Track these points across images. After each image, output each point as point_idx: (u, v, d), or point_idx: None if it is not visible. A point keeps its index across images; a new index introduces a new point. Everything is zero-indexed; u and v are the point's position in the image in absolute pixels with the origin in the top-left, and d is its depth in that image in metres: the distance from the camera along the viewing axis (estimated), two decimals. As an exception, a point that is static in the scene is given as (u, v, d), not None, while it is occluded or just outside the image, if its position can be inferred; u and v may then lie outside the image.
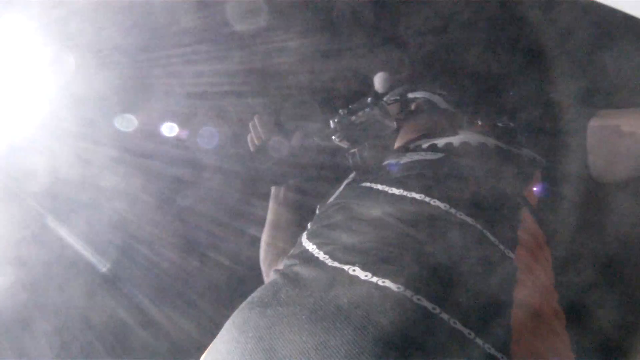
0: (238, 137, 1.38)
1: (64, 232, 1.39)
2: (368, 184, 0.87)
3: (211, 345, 0.71)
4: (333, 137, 1.02)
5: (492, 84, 1.29)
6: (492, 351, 0.59)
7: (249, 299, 0.72)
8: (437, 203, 0.75)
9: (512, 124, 1.02)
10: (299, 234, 0.94)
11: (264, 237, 1.35)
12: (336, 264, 0.69)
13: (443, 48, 1.33)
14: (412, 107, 1.16)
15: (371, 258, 0.68)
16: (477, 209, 0.75)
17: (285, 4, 1.33)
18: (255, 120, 1.31)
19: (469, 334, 0.59)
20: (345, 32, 1.42)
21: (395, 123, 1.01)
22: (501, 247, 0.71)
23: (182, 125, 1.43)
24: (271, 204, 1.36)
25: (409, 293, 0.61)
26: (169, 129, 1.42)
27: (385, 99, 1.19)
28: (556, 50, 1.23)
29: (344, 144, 1.03)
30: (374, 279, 0.63)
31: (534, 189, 0.87)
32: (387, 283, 0.62)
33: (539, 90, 1.26)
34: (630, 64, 1.14)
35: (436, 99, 1.17)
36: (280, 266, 0.86)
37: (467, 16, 1.35)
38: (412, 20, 1.38)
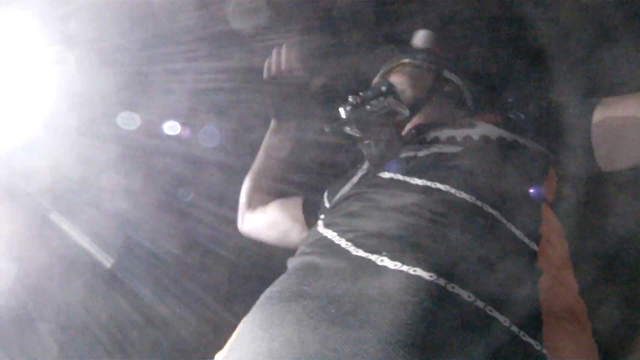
0: (238, 134, 1.36)
1: (68, 229, 1.39)
2: (388, 175, 0.86)
3: (230, 345, 0.68)
4: (345, 128, 0.97)
5: (492, 81, 1.28)
6: (527, 338, 0.59)
7: (268, 293, 0.70)
8: (464, 195, 0.75)
9: (523, 116, 0.99)
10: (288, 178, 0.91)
11: (253, 168, 1.31)
12: (361, 253, 0.67)
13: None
14: (445, 89, 1.13)
15: (398, 246, 0.66)
16: (501, 203, 0.75)
17: (285, 3, 1.33)
18: (283, 49, 1.23)
19: (505, 321, 0.59)
20: (345, 31, 1.42)
21: (408, 111, 0.96)
22: (525, 240, 0.71)
23: (183, 123, 1.43)
24: (267, 137, 1.30)
25: (442, 281, 0.60)
26: (171, 127, 1.41)
27: (420, 56, 1.15)
28: (556, 49, 1.23)
29: (356, 134, 0.97)
30: (404, 268, 0.62)
31: (550, 185, 0.87)
32: (419, 272, 0.61)
33: (539, 88, 1.26)
34: (631, 63, 1.14)
35: (466, 93, 1.15)
36: (296, 253, 0.84)
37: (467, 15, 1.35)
38: (413, 19, 1.37)
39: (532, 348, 0.59)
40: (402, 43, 1.22)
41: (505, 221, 0.73)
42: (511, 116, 0.99)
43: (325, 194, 1.05)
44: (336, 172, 1.28)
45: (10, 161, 1.30)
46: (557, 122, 0.93)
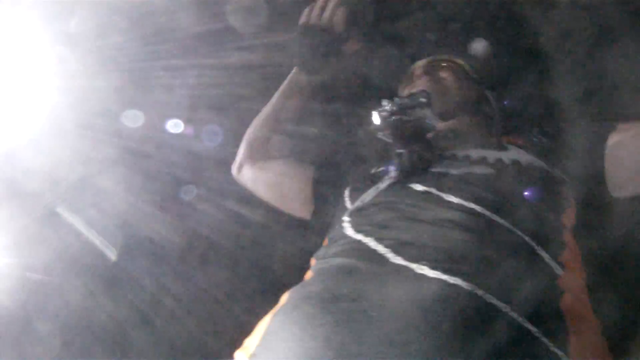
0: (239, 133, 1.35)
1: (69, 227, 1.39)
2: (420, 187, 0.87)
3: (260, 342, 0.68)
4: (379, 134, 0.96)
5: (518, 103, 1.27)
6: (554, 348, 0.63)
7: (302, 292, 0.71)
8: (496, 218, 0.78)
9: (544, 140, 1.01)
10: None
11: (262, 115, 1.23)
12: (400, 260, 0.70)
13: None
14: (486, 109, 1.12)
15: (436, 256, 0.69)
16: (531, 228, 0.79)
17: (285, 2, 1.33)
18: (332, 1, 1.16)
19: (537, 332, 0.63)
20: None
21: (440, 123, 0.97)
22: (552, 264, 0.76)
23: (184, 121, 1.42)
24: (285, 86, 1.22)
25: (480, 292, 0.64)
26: (175, 125, 1.40)
27: (474, 65, 1.14)
28: (556, 49, 1.23)
29: (388, 139, 0.96)
30: (444, 277, 0.65)
31: (571, 212, 0.90)
32: (458, 281, 0.65)
33: (543, 93, 1.26)
34: (630, 63, 1.14)
35: (498, 119, 1.14)
36: (320, 253, 0.86)
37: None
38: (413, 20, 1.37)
39: (557, 357, 0.63)
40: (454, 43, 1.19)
41: (535, 245, 0.77)
42: (534, 139, 1.01)
43: (347, 193, 1.02)
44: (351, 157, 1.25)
45: (12, 160, 1.30)
46: (571, 146, 0.96)
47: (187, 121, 1.42)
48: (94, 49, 1.29)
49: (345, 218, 0.88)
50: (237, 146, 1.29)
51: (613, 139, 0.90)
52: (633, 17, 1.20)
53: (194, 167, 1.46)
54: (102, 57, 1.32)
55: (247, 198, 1.34)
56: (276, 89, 1.25)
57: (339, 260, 0.75)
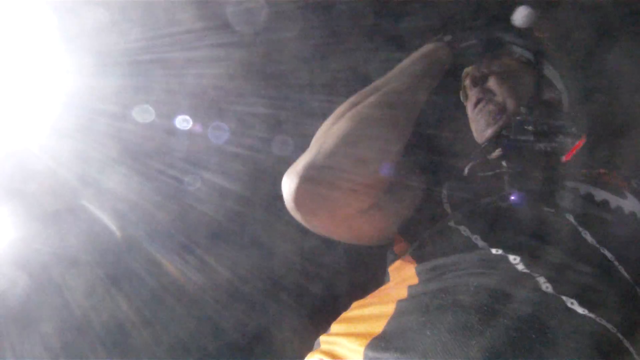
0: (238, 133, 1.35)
1: (70, 226, 1.39)
2: (550, 210, 0.84)
3: (386, 329, 0.66)
4: (493, 153, 0.89)
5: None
6: None
7: (449, 299, 0.68)
8: (623, 271, 0.77)
9: None
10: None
11: (368, 103, 0.86)
12: (550, 289, 0.69)
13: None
14: (545, 96, 0.98)
15: (582, 292, 0.68)
16: None
17: (286, 3, 1.33)
18: None
19: None
20: (345, 32, 1.42)
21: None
22: None
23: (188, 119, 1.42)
24: (418, 61, 0.95)
25: (620, 335, 0.64)
26: (183, 121, 1.39)
27: (521, 43, 1.00)
28: (556, 50, 1.23)
29: (515, 158, 0.88)
30: (592, 315, 0.65)
31: None
32: (603, 322, 0.65)
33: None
34: (631, 63, 1.14)
35: (568, 106, 1.03)
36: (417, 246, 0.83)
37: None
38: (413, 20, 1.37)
39: None
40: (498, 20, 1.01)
41: None
42: (634, 185, 0.95)
43: (445, 194, 0.90)
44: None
45: (10, 161, 1.30)
46: None
47: (192, 119, 1.42)
48: (94, 48, 1.29)
49: (450, 221, 0.83)
50: (236, 147, 1.28)
51: None
52: (633, 17, 1.20)
53: (196, 163, 1.45)
54: (103, 56, 1.32)
55: (247, 197, 1.34)
56: (275, 88, 1.15)
57: (481, 280, 0.71)
